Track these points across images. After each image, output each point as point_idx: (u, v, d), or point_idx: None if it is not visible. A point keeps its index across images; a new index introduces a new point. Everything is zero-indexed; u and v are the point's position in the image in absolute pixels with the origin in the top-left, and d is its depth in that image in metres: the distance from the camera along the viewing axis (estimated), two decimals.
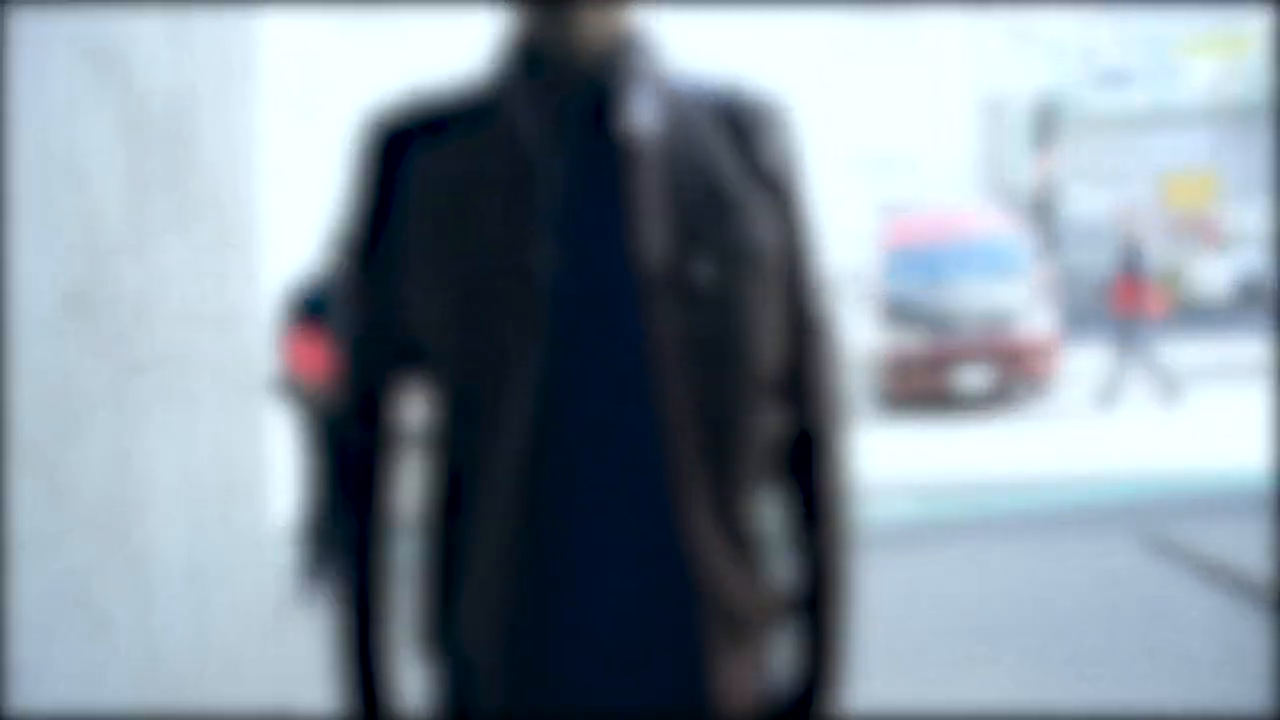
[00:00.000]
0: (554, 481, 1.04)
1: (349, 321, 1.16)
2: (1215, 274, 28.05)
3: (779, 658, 1.18)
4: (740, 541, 1.09)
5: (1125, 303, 13.09)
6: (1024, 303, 14.04)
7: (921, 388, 14.16)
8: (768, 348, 1.12)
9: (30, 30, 2.56)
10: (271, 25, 23.68)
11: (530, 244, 1.06)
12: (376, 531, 1.17)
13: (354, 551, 1.16)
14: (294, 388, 6.57)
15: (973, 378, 13.98)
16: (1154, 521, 7.59)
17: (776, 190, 1.16)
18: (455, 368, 1.07)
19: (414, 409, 3.68)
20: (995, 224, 15.02)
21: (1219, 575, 5.99)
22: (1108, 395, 13.32)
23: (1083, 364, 17.99)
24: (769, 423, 1.14)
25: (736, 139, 1.15)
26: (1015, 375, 13.93)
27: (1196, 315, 26.28)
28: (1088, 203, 29.05)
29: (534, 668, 1.03)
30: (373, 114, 1.16)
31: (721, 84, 1.18)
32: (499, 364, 1.05)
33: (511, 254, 1.06)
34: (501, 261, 1.06)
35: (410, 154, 1.14)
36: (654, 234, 1.06)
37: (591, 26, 1.09)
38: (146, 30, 3.26)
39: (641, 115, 1.09)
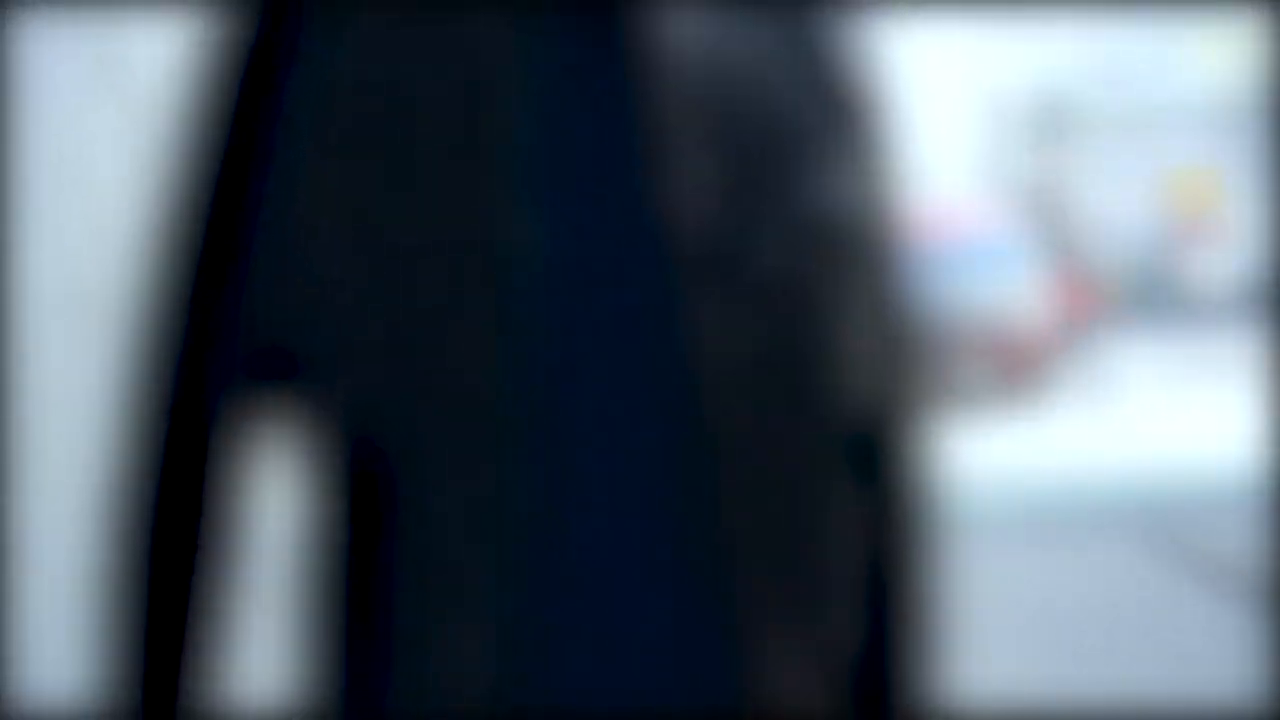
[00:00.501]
0: (543, 587, 0.66)
1: (175, 326, 0.73)
2: (1214, 272, 28.05)
3: None
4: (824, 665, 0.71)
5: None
6: (1023, 300, 14.05)
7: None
8: (857, 370, 0.73)
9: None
10: None
11: (498, 209, 0.66)
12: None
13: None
14: None
15: (971, 375, 13.99)
16: (1153, 520, 7.59)
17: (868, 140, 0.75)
18: (372, 398, 0.67)
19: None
20: (995, 222, 15.02)
21: (1214, 572, 6.00)
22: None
23: (1083, 362, 17.97)
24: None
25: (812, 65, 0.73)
26: (1013, 372, 13.94)
27: (1195, 312, 26.25)
28: (1093, 201, 29.05)
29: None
30: None
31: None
32: (447, 396, 0.66)
33: (469, 224, 0.66)
34: (453, 234, 0.66)
35: (316, 56, 0.69)
36: (692, 198, 0.67)
37: None
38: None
39: (674, 22, 0.69)
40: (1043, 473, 9.97)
